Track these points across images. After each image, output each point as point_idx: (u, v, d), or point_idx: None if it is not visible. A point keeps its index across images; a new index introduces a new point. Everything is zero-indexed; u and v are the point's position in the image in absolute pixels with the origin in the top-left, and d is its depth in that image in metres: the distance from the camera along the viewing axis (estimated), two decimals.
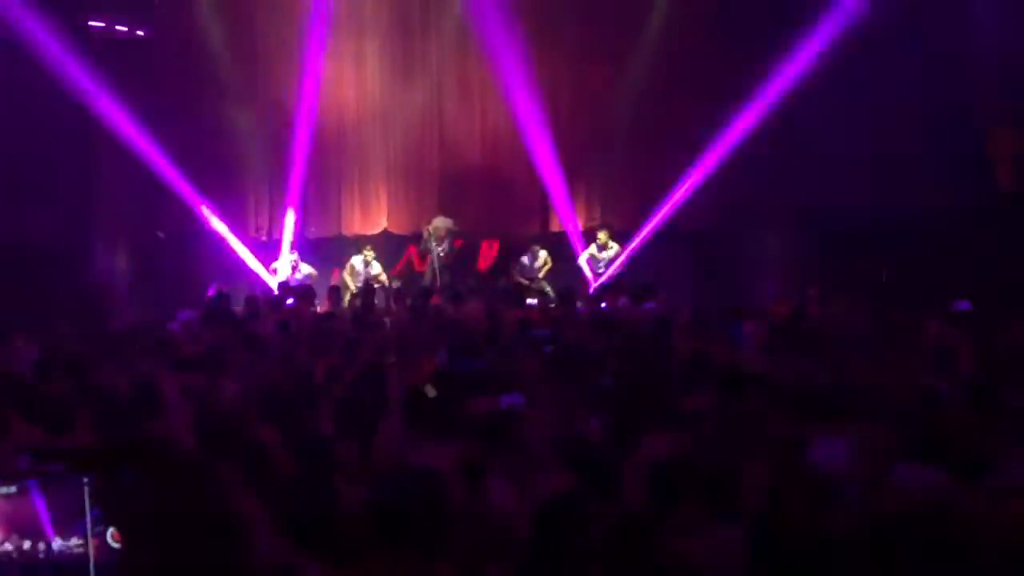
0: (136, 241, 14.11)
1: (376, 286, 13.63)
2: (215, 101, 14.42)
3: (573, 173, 14.67)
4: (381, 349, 8.00)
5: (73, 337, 9.31)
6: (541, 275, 14.34)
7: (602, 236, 14.34)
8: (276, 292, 12.53)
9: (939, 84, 11.65)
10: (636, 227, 14.46)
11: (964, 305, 9.41)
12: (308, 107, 14.18)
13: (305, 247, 14.70)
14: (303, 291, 11.89)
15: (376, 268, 14.27)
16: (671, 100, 14.44)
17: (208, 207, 14.14)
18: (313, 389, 6.44)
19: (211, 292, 12.84)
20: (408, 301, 11.46)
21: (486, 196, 15.07)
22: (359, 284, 13.89)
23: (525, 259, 14.47)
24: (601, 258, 14.26)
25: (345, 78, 14.93)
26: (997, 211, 11.38)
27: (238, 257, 14.41)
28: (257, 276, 14.26)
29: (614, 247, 14.29)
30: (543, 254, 14.45)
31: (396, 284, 13.97)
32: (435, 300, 11.56)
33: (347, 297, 13.50)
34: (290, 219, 14.62)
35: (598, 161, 14.98)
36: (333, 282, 13.88)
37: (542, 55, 14.38)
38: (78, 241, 13.08)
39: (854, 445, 4.56)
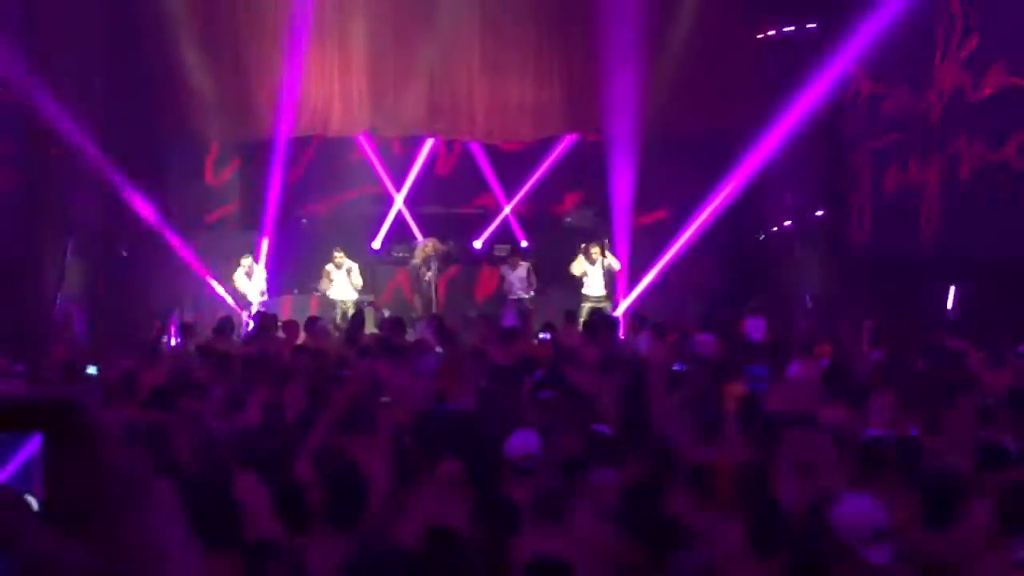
0: (92, 257, 13.28)
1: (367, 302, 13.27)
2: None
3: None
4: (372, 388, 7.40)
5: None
6: (528, 289, 13.29)
7: (595, 251, 13.17)
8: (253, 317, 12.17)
9: None
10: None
11: None
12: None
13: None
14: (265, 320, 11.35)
15: (357, 280, 13.51)
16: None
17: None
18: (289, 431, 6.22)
19: (172, 322, 12.45)
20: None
21: (482, 98, 13.98)
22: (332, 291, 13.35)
23: (510, 275, 13.41)
24: (592, 289, 13.18)
25: None
26: None
27: (204, 280, 13.74)
28: (224, 301, 13.57)
29: (607, 259, 13.21)
30: (524, 265, 13.47)
31: (387, 312, 13.10)
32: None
33: (324, 285, 13.28)
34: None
35: None
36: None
37: None
38: (24, 255, 12.34)
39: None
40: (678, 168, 13.41)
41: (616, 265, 13.29)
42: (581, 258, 13.22)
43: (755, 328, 12.26)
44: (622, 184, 13.75)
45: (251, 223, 14.28)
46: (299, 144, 14.24)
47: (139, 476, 0.81)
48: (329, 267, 13.54)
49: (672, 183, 13.64)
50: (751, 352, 9.17)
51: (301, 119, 13.72)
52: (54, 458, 0.79)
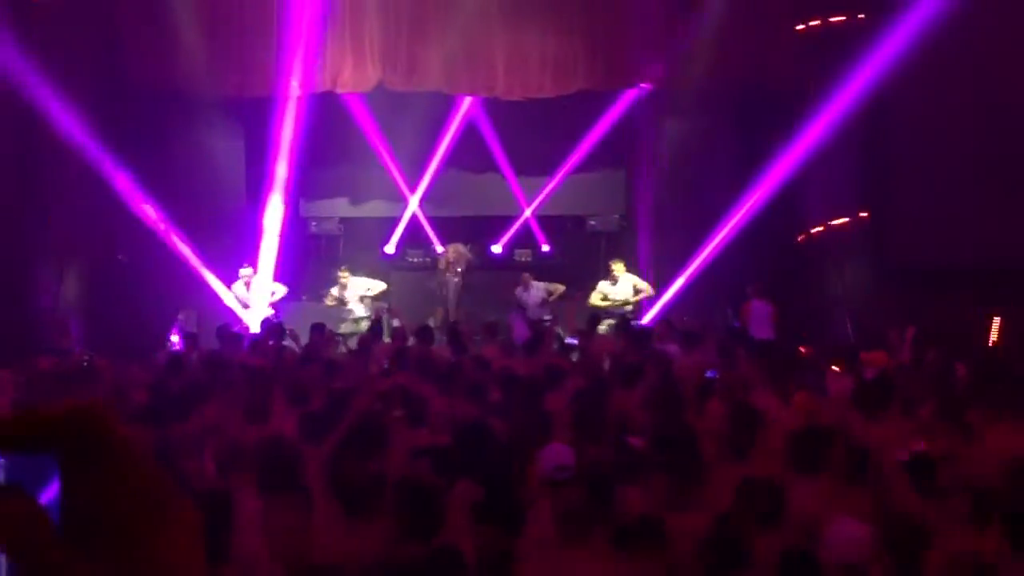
0: (89, 263, 13.05)
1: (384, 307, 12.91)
2: None
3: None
4: (384, 398, 7.08)
5: None
6: (546, 311, 12.94)
7: (618, 268, 12.91)
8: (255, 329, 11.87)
9: None
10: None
11: None
12: None
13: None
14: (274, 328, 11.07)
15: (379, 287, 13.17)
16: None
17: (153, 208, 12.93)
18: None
19: (174, 331, 12.37)
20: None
21: (502, 50, 13.33)
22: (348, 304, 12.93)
23: (523, 296, 13.07)
24: (614, 299, 12.78)
25: None
26: None
27: (206, 284, 13.39)
28: (229, 309, 13.27)
29: (629, 281, 12.90)
30: (540, 285, 13.14)
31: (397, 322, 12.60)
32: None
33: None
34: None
35: None
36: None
37: None
38: (17, 262, 12.10)
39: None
40: (708, 162, 13.08)
41: (649, 291, 12.94)
42: (602, 284, 12.87)
43: (761, 315, 11.88)
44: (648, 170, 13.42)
45: (257, 224, 13.80)
46: (308, 138, 13.79)
47: (159, 492, 0.79)
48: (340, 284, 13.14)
49: (703, 181, 13.23)
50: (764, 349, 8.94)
51: (310, 76, 13.12)
52: (70, 471, 0.78)
